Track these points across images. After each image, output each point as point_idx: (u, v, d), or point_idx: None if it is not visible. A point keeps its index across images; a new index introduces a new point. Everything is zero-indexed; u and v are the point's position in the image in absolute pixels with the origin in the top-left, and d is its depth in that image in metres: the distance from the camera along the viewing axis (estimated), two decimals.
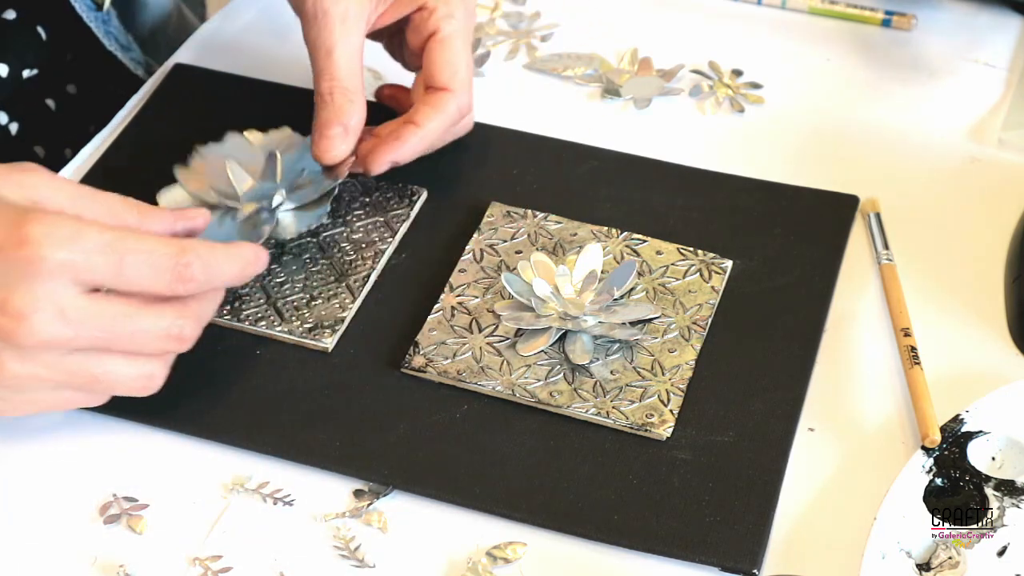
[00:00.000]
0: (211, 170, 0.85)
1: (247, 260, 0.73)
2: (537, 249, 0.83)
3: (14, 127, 0.97)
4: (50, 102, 0.99)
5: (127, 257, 0.68)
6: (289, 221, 0.83)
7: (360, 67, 0.84)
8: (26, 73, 0.96)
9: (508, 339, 0.78)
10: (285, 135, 0.87)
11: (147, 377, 0.71)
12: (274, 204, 0.82)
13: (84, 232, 0.67)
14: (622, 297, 0.80)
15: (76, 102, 1.00)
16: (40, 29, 0.97)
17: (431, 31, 0.85)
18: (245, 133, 0.87)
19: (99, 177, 0.89)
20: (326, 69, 0.83)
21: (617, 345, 0.78)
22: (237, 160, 0.84)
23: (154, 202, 0.86)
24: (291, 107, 0.94)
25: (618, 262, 0.82)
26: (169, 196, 0.84)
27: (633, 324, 0.78)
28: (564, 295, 0.79)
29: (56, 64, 0.98)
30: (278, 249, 0.83)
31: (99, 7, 0.99)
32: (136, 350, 0.70)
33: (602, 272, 0.81)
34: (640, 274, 0.82)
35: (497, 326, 0.79)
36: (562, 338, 0.78)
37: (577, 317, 0.78)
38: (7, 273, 0.66)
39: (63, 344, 0.68)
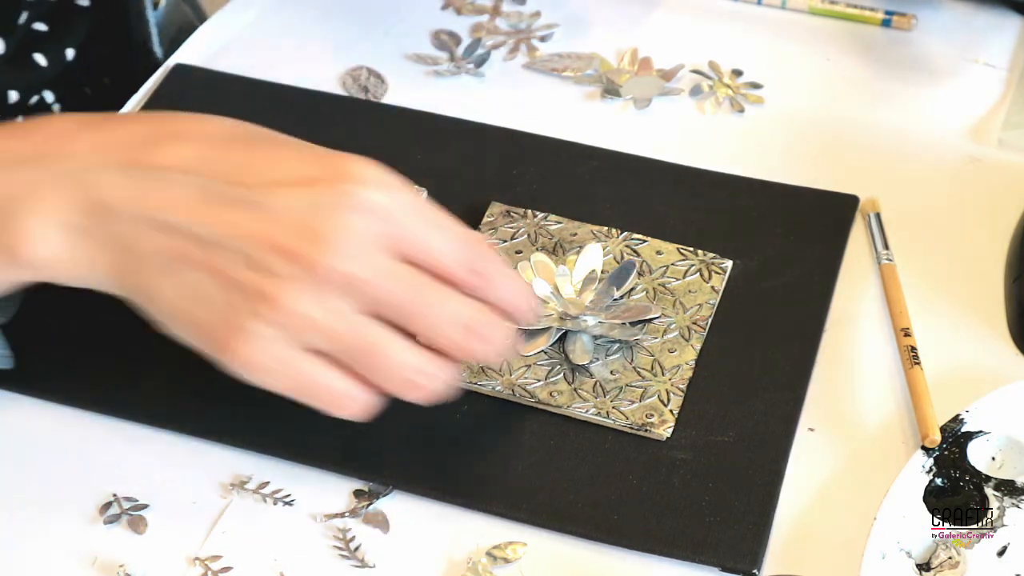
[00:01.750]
0: None
1: (529, 295, 0.69)
2: (537, 249, 0.83)
3: (56, 108, 0.98)
4: (88, 91, 1.00)
5: (437, 227, 0.65)
6: None
7: None
8: (70, 55, 0.97)
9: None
10: None
11: (426, 374, 0.65)
12: None
13: (402, 187, 0.64)
14: (622, 297, 0.80)
15: (109, 94, 1.00)
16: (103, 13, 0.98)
17: None
18: None
19: None
20: None
21: (617, 345, 0.78)
22: None
23: None
24: (291, 107, 0.95)
25: (618, 262, 0.82)
26: None
27: (633, 324, 0.78)
28: (564, 295, 0.79)
29: (95, 53, 0.99)
30: None
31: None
32: (432, 333, 0.65)
33: (602, 272, 0.81)
34: (640, 274, 0.82)
35: None
36: (562, 338, 0.78)
37: (577, 317, 0.78)
38: (323, 199, 0.62)
39: (357, 286, 0.63)
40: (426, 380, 0.66)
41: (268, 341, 0.63)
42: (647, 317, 0.79)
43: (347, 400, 0.66)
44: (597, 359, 0.77)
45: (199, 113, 0.67)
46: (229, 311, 0.63)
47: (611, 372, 0.77)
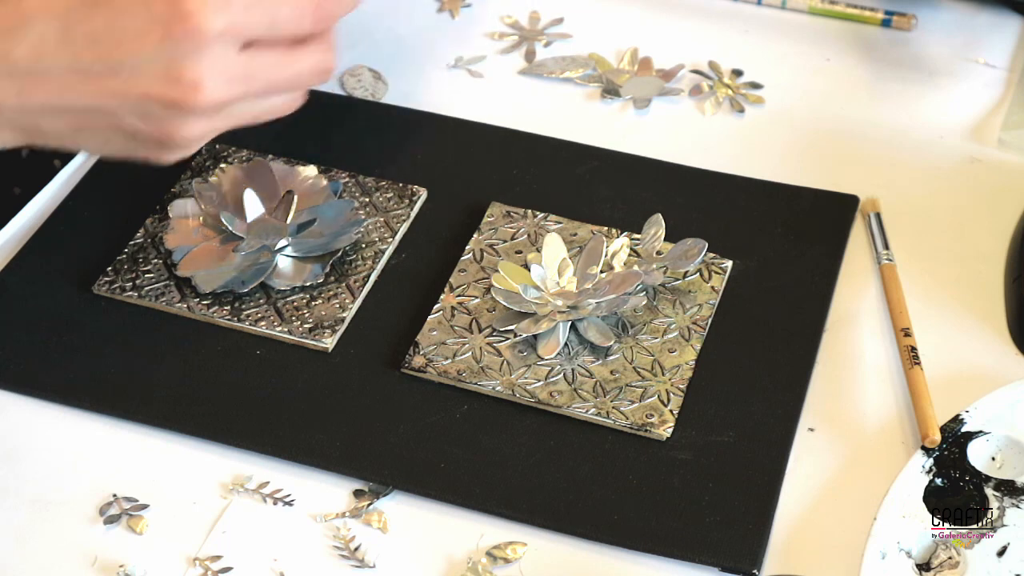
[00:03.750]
0: (229, 190, 0.84)
1: None
2: (536, 250, 0.83)
3: None
4: None
5: (274, 8, 0.70)
6: (287, 269, 0.82)
7: None
8: None
9: (508, 339, 0.78)
10: (309, 174, 0.86)
11: (299, 98, 0.75)
12: (278, 246, 0.82)
13: None
14: (603, 272, 0.80)
15: None
16: None
17: None
18: (270, 159, 0.87)
19: (98, 178, 0.89)
20: None
21: (617, 345, 0.78)
22: (255, 189, 0.83)
23: (156, 209, 0.86)
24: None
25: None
26: (181, 207, 0.84)
27: (629, 294, 0.78)
28: (551, 289, 0.79)
29: None
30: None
31: None
32: (294, 88, 0.74)
33: (570, 256, 0.81)
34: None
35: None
36: (575, 330, 0.78)
37: (577, 306, 0.78)
38: (176, 48, 0.68)
39: (235, 100, 0.70)
40: (297, 101, 0.75)
41: (187, 147, 0.72)
42: (639, 284, 0.78)
43: (283, 108, 0.75)
44: (617, 338, 0.78)
45: None
46: (146, 148, 0.72)
47: (611, 372, 0.77)
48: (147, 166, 0.72)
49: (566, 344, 0.78)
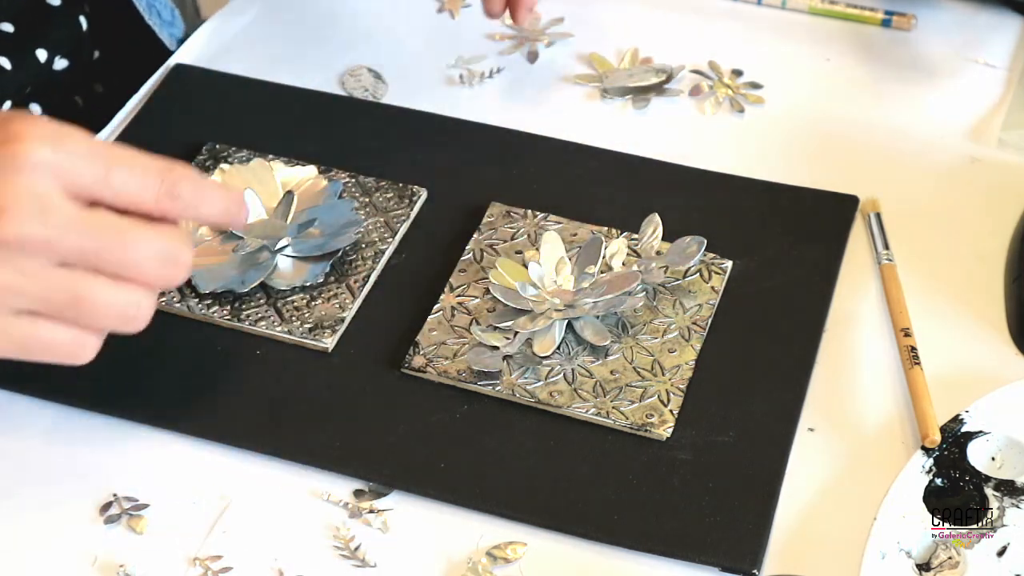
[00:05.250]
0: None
1: (232, 201, 0.68)
2: (536, 250, 0.83)
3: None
4: (78, 99, 0.98)
5: (115, 165, 0.63)
6: (287, 269, 0.82)
7: None
8: (59, 65, 0.96)
9: (508, 339, 0.78)
10: (309, 174, 0.86)
11: (135, 306, 0.65)
12: (278, 246, 0.82)
13: (72, 135, 0.63)
14: (603, 272, 0.80)
15: (102, 101, 0.99)
16: (82, 18, 0.96)
17: None
18: (271, 160, 0.87)
19: None
20: None
21: (617, 345, 0.78)
22: (255, 190, 0.83)
23: None
24: (291, 107, 0.95)
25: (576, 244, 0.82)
26: None
27: (627, 294, 0.78)
28: (548, 288, 0.79)
29: (86, 59, 0.97)
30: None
31: None
32: (129, 273, 0.64)
33: (568, 255, 0.81)
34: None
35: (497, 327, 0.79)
36: (571, 329, 0.78)
37: (574, 304, 0.78)
38: None
39: (44, 246, 0.62)
40: (136, 311, 0.65)
41: None
42: (636, 285, 0.78)
43: (74, 347, 0.66)
44: (615, 338, 0.78)
45: None
46: None
47: (611, 372, 0.77)
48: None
49: (566, 344, 0.78)
